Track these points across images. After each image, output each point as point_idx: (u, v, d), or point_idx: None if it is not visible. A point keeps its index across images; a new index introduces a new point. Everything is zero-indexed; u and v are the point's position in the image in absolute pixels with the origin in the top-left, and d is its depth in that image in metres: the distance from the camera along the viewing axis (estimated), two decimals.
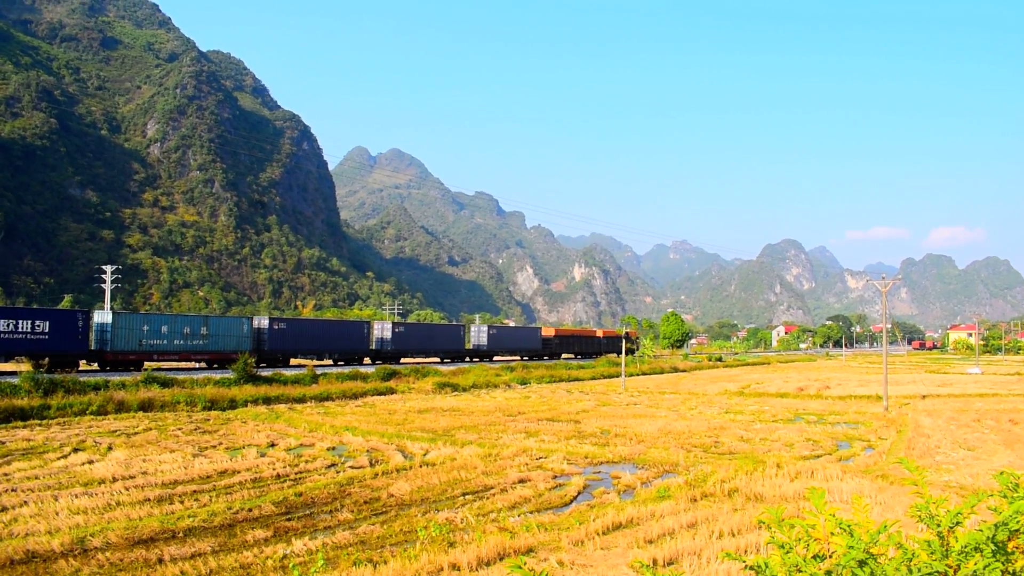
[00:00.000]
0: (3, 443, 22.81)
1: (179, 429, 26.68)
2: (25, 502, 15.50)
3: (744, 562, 2.94)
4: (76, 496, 15.99)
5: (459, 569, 11.36)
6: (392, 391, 43.68)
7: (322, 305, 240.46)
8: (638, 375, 69.67)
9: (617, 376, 62.61)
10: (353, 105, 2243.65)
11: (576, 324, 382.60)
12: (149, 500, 16.00)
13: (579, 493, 17.57)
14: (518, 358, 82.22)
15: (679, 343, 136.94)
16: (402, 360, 68.51)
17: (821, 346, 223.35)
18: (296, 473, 19.20)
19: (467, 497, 16.90)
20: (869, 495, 15.74)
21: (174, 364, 51.74)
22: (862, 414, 35.24)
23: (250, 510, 15.15)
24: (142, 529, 13.56)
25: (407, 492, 17.08)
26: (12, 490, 16.56)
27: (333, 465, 20.46)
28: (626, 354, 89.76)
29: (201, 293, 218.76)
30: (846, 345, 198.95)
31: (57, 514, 14.63)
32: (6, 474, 18.36)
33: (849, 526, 2.85)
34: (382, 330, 69.44)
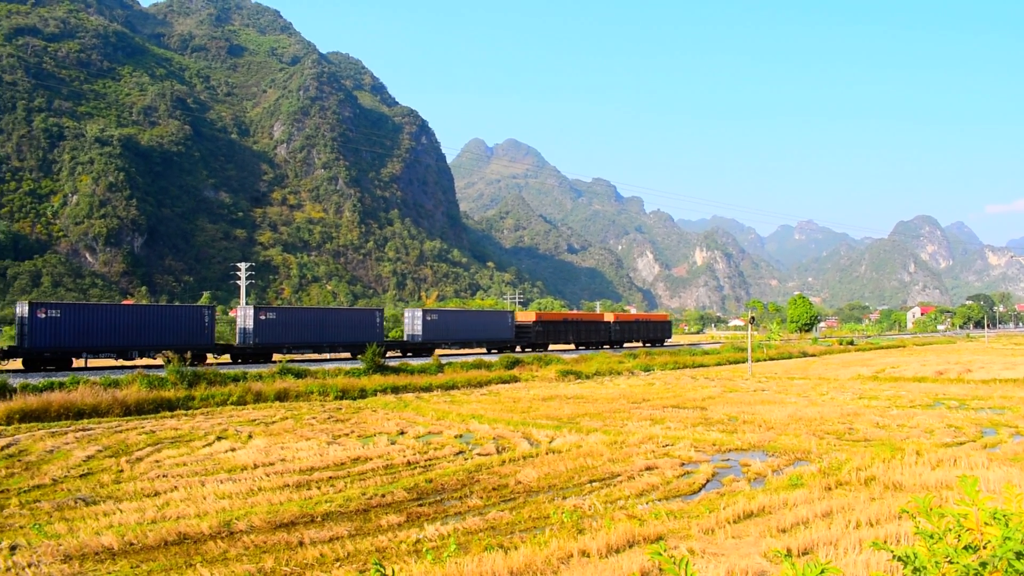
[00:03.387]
0: (154, 432, 24.27)
1: (313, 418, 27.73)
2: (175, 487, 16.44)
3: (891, 552, 2.85)
4: (221, 482, 16.85)
5: (588, 556, 11.39)
6: (516, 379, 44.10)
7: (445, 296, 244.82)
8: (765, 360, 67.92)
9: (744, 362, 61.26)
10: (469, 98, 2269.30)
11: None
12: (288, 486, 16.69)
13: (707, 481, 17.31)
14: (479, 351, 67.89)
15: (807, 327, 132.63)
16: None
17: (961, 327, 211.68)
18: (426, 460, 19.65)
19: (594, 484, 16.90)
20: (1020, 485, 14.89)
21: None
22: (1009, 399, 33.30)
23: (383, 496, 15.61)
24: (283, 513, 14.17)
25: (534, 479, 17.23)
26: (163, 476, 17.59)
27: (461, 452, 20.83)
28: (653, 343, 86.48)
29: (329, 287, 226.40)
30: (988, 326, 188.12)
31: (204, 499, 15.45)
32: (157, 461, 19.52)
33: (1005, 516, 2.72)
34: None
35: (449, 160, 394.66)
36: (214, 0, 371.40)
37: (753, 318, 71.56)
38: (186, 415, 28.81)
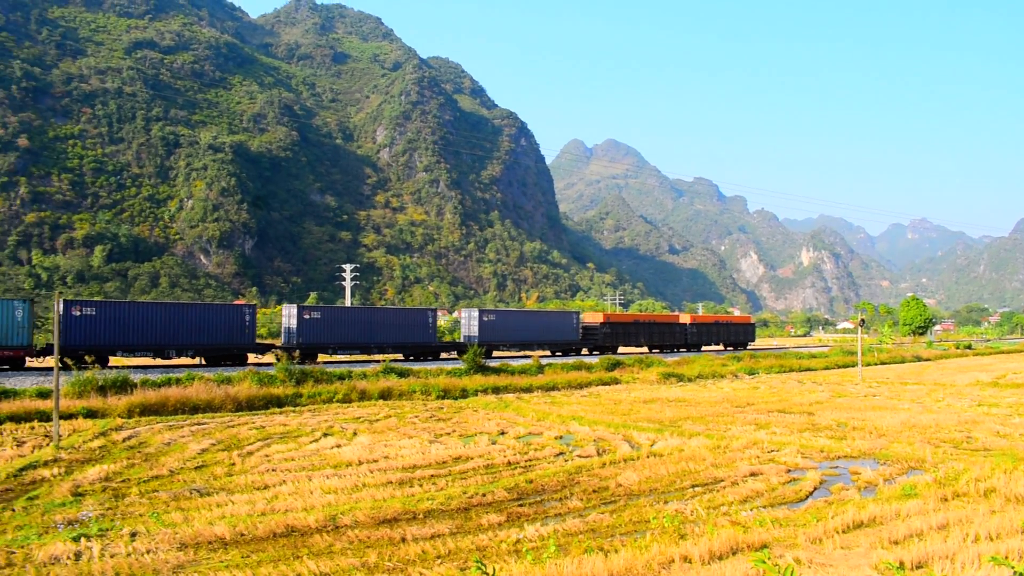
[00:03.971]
0: (263, 427, 25.07)
1: (416, 416, 28.14)
2: (284, 481, 16.93)
3: (1012, 567, 2.68)
4: (327, 477, 17.27)
5: (690, 561, 11.19)
6: (616, 381, 43.78)
7: (545, 297, 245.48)
8: (876, 364, 65.48)
9: (853, 366, 59.23)
10: (568, 99, 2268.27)
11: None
12: (391, 483, 16.97)
13: (815, 489, 16.78)
14: (542, 354, 62.57)
15: (921, 330, 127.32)
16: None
17: None
18: (526, 461, 19.68)
19: (696, 489, 16.61)
20: None
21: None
22: None
23: (484, 495, 15.70)
24: (386, 509, 14.42)
25: (635, 482, 17.05)
26: (272, 470, 18.14)
27: (561, 454, 20.79)
28: (735, 347, 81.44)
29: (431, 288, 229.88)
30: None
31: (311, 493, 15.85)
32: (267, 455, 20.15)
33: None
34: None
35: (548, 161, 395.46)
36: (319, 9, 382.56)
37: (863, 320, 68.92)
38: (294, 411, 29.68)
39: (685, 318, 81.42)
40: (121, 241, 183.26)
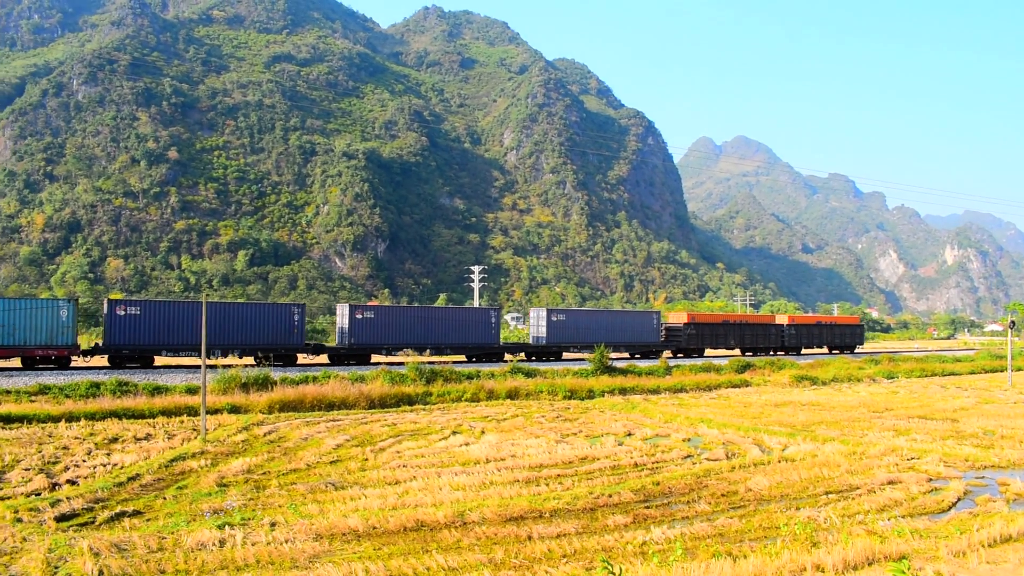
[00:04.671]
0: (395, 424, 25.80)
1: (542, 416, 28.32)
2: (414, 477, 17.39)
3: None
4: (455, 474, 17.62)
5: (823, 571, 10.85)
6: (746, 384, 42.78)
7: (673, 298, 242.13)
8: None
9: (1002, 371, 55.80)
10: (695, 96, 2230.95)
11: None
12: (518, 481, 17.15)
13: (958, 499, 15.93)
14: (617, 356, 56.62)
15: None
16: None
17: None
18: (653, 463, 19.51)
19: (830, 496, 16.07)
20: None
21: None
22: None
23: (610, 496, 15.67)
24: (513, 508, 14.59)
25: (765, 487, 16.63)
26: (403, 466, 18.66)
27: (689, 456, 20.50)
28: (840, 351, 75.48)
29: (558, 289, 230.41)
30: None
31: (440, 489, 16.22)
32: (398, 451, 20.73)
33: None
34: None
35: (676, 160, 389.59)
36: (446, 16, 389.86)
37: (1014, 322, 64.44)
38: (424, 410, 30.40)
39: (782, 318, 77.24)
40: (262, 246, 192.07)
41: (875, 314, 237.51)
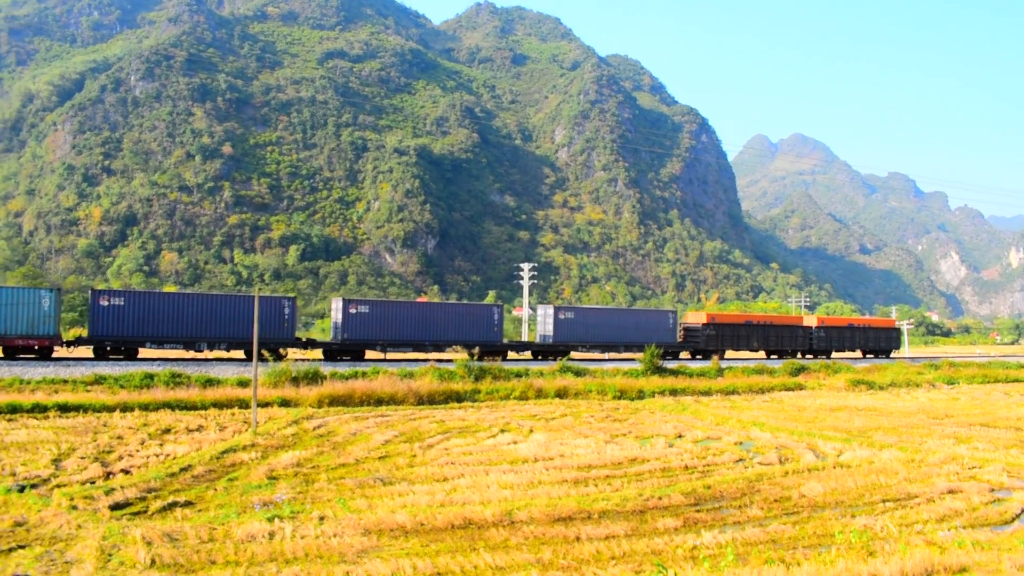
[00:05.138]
0: (443, 421, 25.83)
1: (591, 416, 28.13)
2: (462, 474, 17.35)
3: None
4: (503, 472, 17.54)
5: None
6: (801, 387, 42.05)
7: (725, 298, 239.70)
8: None
9: None
10: (751, 93, 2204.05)
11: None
12: (566, 481, 17.02)
13: (1022, 511, 15.40)
14: (629, 356, 55.81)
15: None
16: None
17: None
18: (704, 465, 19.23)
19: (887, 504, 15.64)
20: None
21: None
22: None
23: (660, 498, 15.45)
24: (561, 508, 14.47)
25: (820, 493, 16.26)
26: (451, 463, 18.64)
27: (741, 460, 20.16)
28: (875, 355, 71.69)
29: (608, 288, 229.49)
30: None
31: (488, 487, 16.16)
32: (446, 448, 20.72)
33: None
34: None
35: (731, 158, 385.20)
36: (499, 13, 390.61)
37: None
38: (472, 407, 30.36)
39: (811, 320, 73.10)
40: (313, 241, 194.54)
41: (935, 318, 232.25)
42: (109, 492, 15.02)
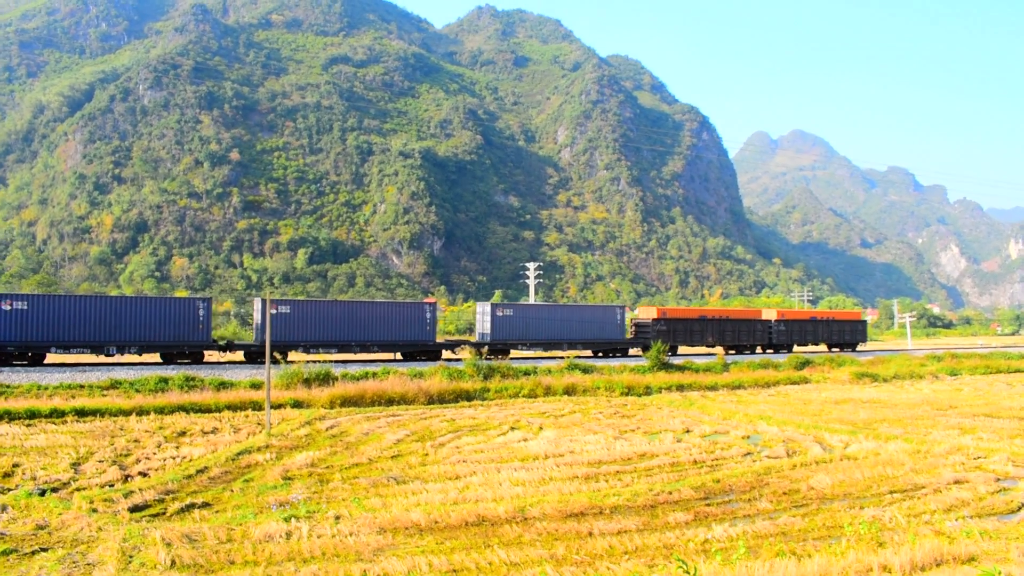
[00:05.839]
0: (454, 420, 26.04)
1: (600, 413, 28.31)
2: (474, 472, 17.55)
3: None
4: (515, 470, 17.74)
5: (890, 572, 10.71)
6: (806, 380, 42.18)
7: (729, 294, 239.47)
8: None
9: None
10: (751, 91, 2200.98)
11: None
12: (577, 477, 17.22)
13: None
14: (576, 354, 52.00)
15: None
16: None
17: None
18: (712, 460, 19.41)
19: (894, 495, 15.81)
20: None
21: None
22: None
23: (670, 493, 15.64)
24: (573, 504, 14.66)
25: (828, 486, 16.44)
26: (463, 461, 18.84)
27: (748, 454, 20.34)
28: (840, 348, 68.32)
29: (613, 285, 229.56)
30: None
31: (500, 484, 16.35)
32: (457, 447, 20.93)
33: None
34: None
35: (731, 155, 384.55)
36: (499, 16, 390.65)
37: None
38: (482, 405, 30.56)
39: (770, 313, 69.41)
40: (321, 244, 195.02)
41: (937, 310, 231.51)
42: (128, 495, 15.26)
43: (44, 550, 12.05)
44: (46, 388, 28.35)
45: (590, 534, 12.87)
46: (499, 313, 51.57)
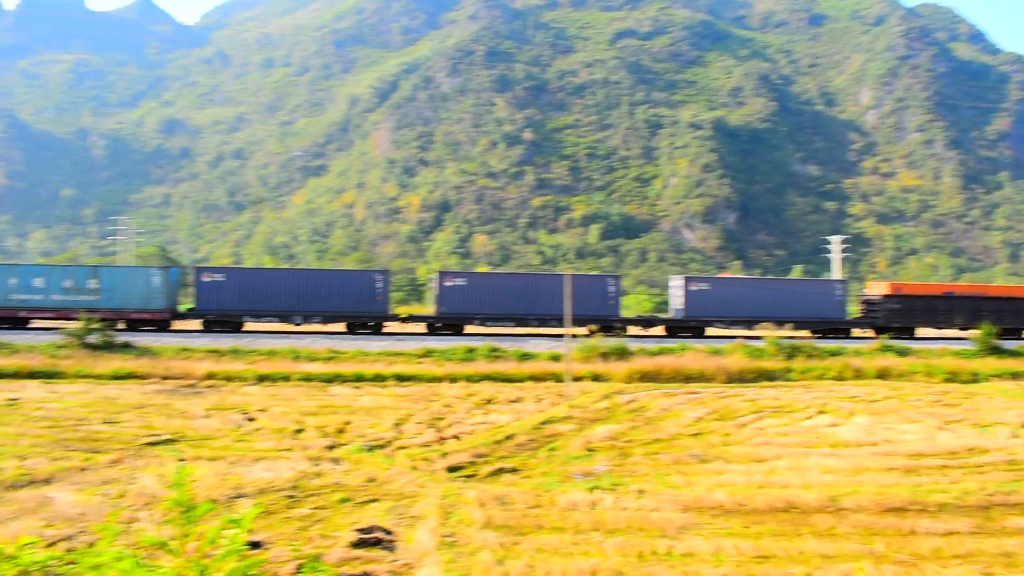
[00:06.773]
0: (755, 400, 25.16)
1: (918, 400, 26.01)
2: (779, 456, 16.87)
3: None
4: (824, 456, 16.83)
5: None
6: None
7: None
8: None
9: None
10: None
11: None
12: (894, 469, 15.98)
13: None
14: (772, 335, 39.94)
15: None
16: (466, 329, 44.65)
17: None
18: None
19: None
20: None
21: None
22: None
23: (1007, 494, 14.04)
24: (891, 497, 13.62)
25: None
26: (766, 443, 18.18)
27: None
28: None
29: (928, 260, 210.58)
30: None
31: (808, 471, 15.58)
32: (759, 428, 20.22)
33: None
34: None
35: None
36: None
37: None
38: (785, 386, 29.22)
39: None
40: (613, 219, 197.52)
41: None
42: (444, 455, 16.39)
43: (374, 501, 13.25)
44: (368, 354, 31.20)
45: (912, 532, 11.90)
46: (693, 287, 47.63)
